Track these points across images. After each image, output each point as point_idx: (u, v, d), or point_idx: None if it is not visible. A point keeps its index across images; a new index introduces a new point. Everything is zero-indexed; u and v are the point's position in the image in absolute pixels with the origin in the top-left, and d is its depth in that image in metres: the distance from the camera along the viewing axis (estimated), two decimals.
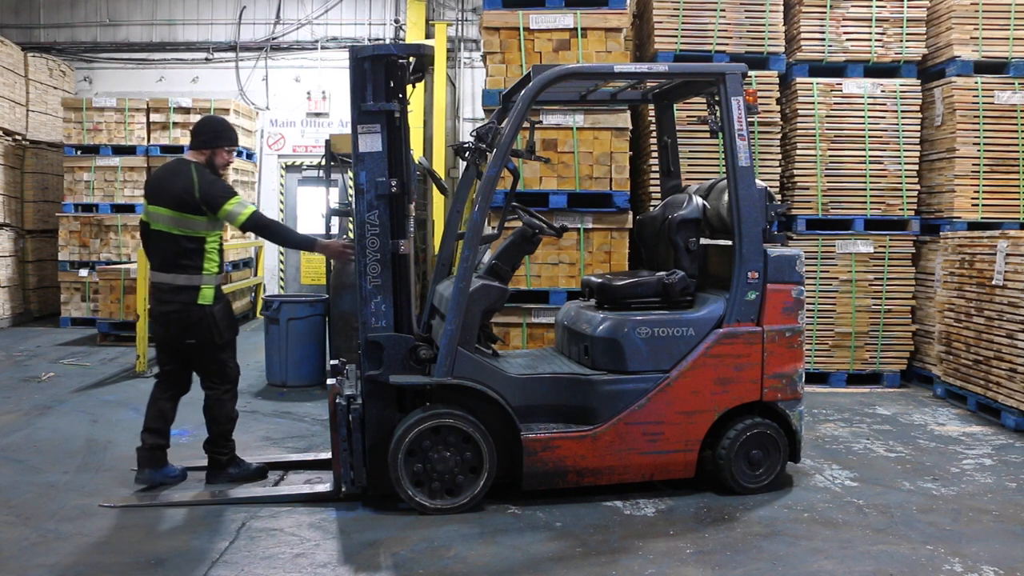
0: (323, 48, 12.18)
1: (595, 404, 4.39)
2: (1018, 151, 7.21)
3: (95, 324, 9.80)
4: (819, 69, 7.47)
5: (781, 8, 7.42)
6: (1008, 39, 7.21)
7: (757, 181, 4.58)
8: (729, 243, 4.59)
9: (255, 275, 11.81)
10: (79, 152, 10.48)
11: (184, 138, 10.42)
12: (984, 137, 7.16)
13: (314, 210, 11.91)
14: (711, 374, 4.47)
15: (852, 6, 7.38)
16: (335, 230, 7.86)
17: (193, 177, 4.50)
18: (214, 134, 4.67)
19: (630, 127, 6.90)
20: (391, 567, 3.64)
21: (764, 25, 7.36)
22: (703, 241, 4.85)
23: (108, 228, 10.38)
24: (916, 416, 6.40)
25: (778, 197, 7.33)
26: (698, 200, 4.83)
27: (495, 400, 4.29)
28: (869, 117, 7.36)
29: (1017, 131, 7.21)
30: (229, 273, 4.87)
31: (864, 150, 7.36)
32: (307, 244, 4.83)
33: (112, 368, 7.95)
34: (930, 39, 7.52)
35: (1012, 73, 7.22)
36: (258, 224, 4.59)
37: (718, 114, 4.58)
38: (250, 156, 11.65)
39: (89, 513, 4.21)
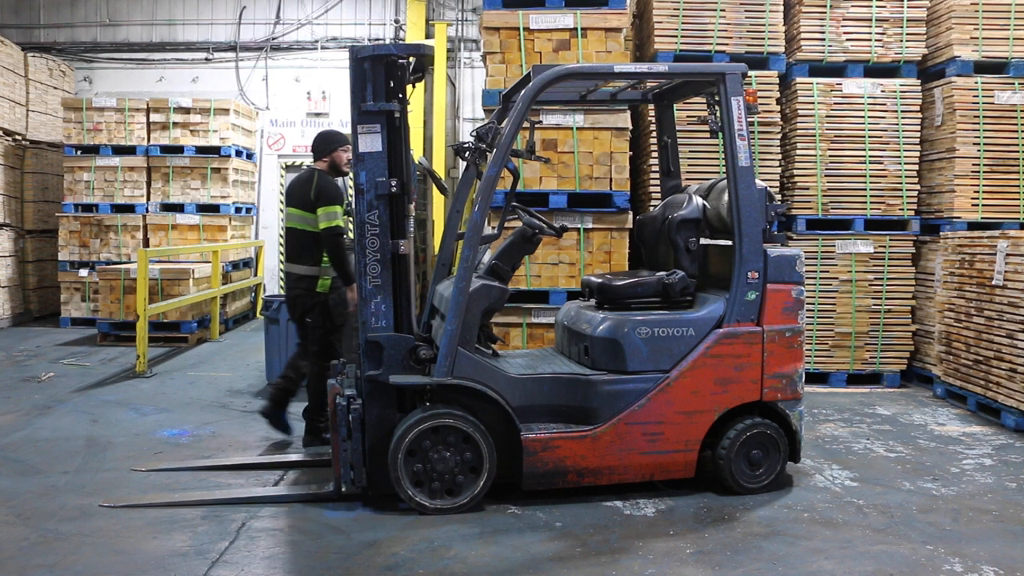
0: (323, 48, 12.18)
1: (595, 404, 4.39)
2: (1018, 151, 7.21)
3: (95, 324, 9.80)
4: (819, 69, 7.47)
5: (781, 8, 7.42)
6: (1008, 39, 7.21)
7: (757, 181, 4.58)
8: (729, 243, 4.59)
9: (255, 275, 11.83)
10: (79, 152, 10.47)
11: (184, 138, 10.44)
12: (984, 137, 7.16)
13: None
14: (711, 374, 4.47)
15: (852, 6, 7.38)
16: None
17: (314, 180, 5.28)
18: (327, 142, 5.42)
19: (630, 127, 6.90)
20: (391, 567, 3.64)
21: (764, 25, 7.36)
22: (703, 241, 4.85)
23: (108, 228, 10.38)
24: (916, 416, 6.40)
25: (778, 197, 7.33)
26: (698, 200, 4.83)
27: (495, 400, 4.29)
28: (869, 117, 7.36)
29: (1017, 131, 7.21)
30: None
31: (864, 150, 7.36)
32: (348, 279, 5.21)
33: (112, 368, 7.95)
34: (930, 39, 7.52)
35: (1012, 73, 7.23)
36: (329, 235, 5.19)
37: (718, 114, 4.58)
38: (250, 156, 11.65)
39: (89, 513, 4.21)
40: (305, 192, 5.28)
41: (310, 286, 5.33)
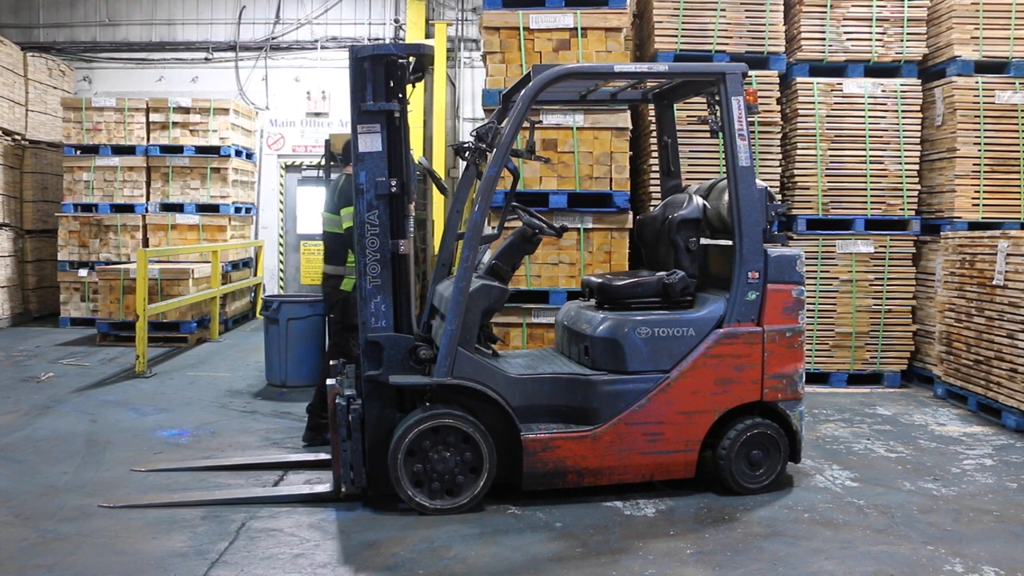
0: (323, 48, 12.18)
1: (595, 404, 4.39)
2: (1018, 151, 7.20)
3: (95, 324, 9.79)
4: (819, 69, 7.47)
5: (781, 8, 7.42)
6: (1008, 39, 7.21)
7: (757, 181, 4.58)
8: (729, 243, 4.59)
9: (255, 275, 11.82)
10: (79, 152, 10.47)
11: (183, 138, 10.44)
12: (984, 137, 7.16)
13: (314, 210, 11.91)
14: (711, 374, 4.46)
15: (852, 6, 7.38)
16: None
17: (339, 184, 5.59)
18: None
19: (630, 127, 6.90)
20: (391, 567, 3.63)
21: (764, 25, 7.35)
22: (703, 241, 4.85)
23: (107, 228, 10.37)
24: (917, 416, 6.40)
25: (778, 197, 7.33)
26: (698, 200, 4.82)
27: (495, 400, 4.29)
28: (869, 117, 7.35)
29: (1017, 131, 7.20)
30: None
31: (864, 150, 7.36)
32: None
33: (112, 368, 7.95)
34: (930, 39, 7.52)
35: (1012, 73, 7.22)
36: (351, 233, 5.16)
37: (718, 114, 4.58)
38: (250, 156, 11.64)
39: (89, 513, 4.21)
40: (331, 196, 5.61)
41: (335, 284, 5.63)
